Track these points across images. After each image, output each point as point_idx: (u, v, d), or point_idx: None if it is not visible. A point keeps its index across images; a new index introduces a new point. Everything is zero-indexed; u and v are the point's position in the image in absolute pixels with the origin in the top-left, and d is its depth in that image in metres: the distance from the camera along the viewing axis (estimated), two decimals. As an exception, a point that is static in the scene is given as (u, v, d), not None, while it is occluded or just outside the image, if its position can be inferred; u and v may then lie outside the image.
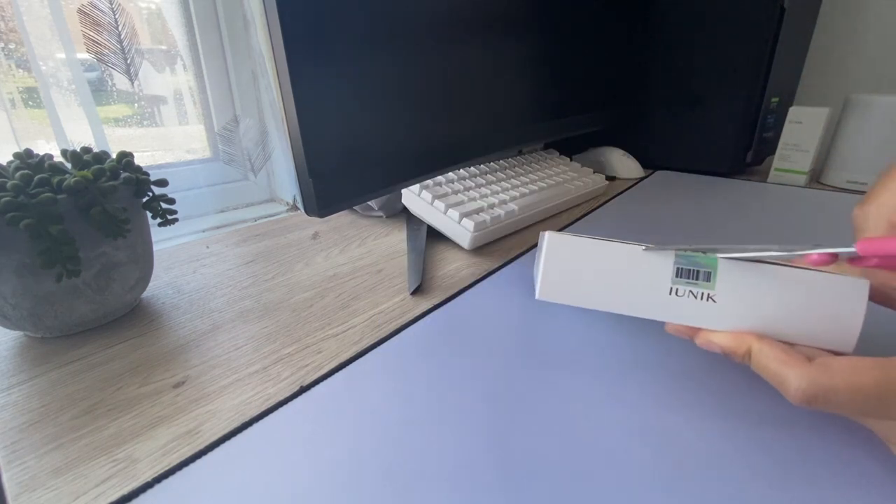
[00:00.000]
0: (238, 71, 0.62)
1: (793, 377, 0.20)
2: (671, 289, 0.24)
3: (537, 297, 0.26)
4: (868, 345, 0.23)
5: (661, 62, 0.76)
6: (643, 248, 0.25)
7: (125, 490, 0.21)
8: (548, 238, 0.26)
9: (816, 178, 0.76)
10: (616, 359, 0.30)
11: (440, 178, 0.54)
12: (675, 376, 0.28)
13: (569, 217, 0.59)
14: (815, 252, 0.21)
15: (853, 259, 0.21)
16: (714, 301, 0.23)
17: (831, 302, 0.22)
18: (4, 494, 0.21)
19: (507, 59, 0.52)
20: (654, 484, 0.21)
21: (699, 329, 0.24)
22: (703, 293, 0.24)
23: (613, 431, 0.24)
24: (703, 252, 0.24)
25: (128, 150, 0.35)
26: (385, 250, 0.49)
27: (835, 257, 0.21)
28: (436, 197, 0.49)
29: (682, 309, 0.24)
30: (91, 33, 0.49)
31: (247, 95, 0.63)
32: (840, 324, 0.22)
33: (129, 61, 0.53)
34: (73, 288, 0.31)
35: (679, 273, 0.24)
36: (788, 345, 0.22)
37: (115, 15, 0.50)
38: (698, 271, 0.24)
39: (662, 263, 0.24)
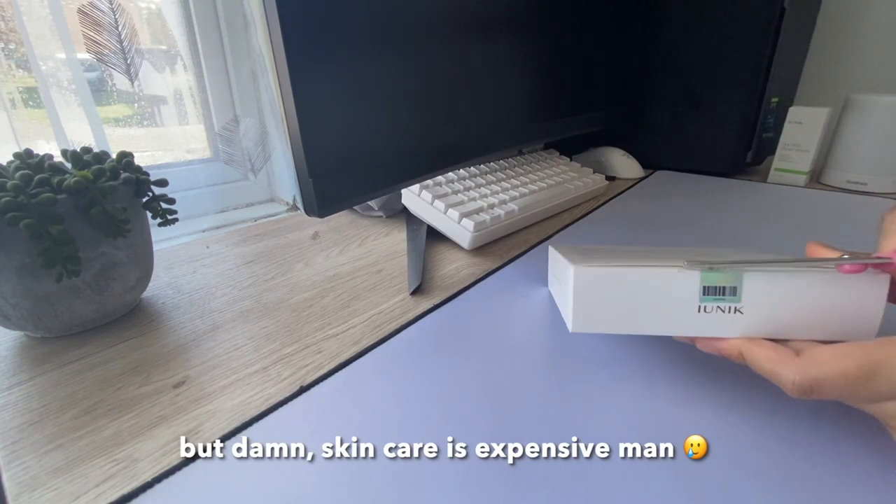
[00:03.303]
0: (238, 71, 0.62)
1: (785, 373, 0.21)
2: (699, 307, 0.24)
3: (571, 330, 0.26)
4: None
5: (661, 62, 0.76)
6: (670, 269, 0.25)
7: (125, 490, 0.21)
8: (574, 272, 0.25)
9: (816, 178, 0.76)
10: (617, 358, 0.30)
11: (440, 178, 0.54)
12: (677, 374, 0.28)
13: (569, 217, 0.59)
14: (848, 263, 0.22)
15: (882, 264, 0.22)
16: (742, 313, 0.24)
17: (853, 298, 0.23)
18: (4, 494, 0.21)
19: (507, 59, 0.52)
20: (655, 484, 0.21)
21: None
22: (730, 307, 0.24)
23: (615, 431, 0.24)
24: (730, 265, 0.24)
25: (128, 150, 0.35)
26: (385, 250, 0.49)
27: (866, 266, 0.22)
28: (436, 197, 0.49)
29: (711, 324, 0.24)
30: (91, 33, 0.49)
31: (247, 95, 0.63)
32: (861, 318, 0.23)
33: (129, 61, 0.53)
34: (73, 288, 0.31)
35: (706, 291, 0.24)
36: (777, 341, 0.23)
37: (115, 15, 0.50)
38: (724, 287, 0.24)
39: (689, 283, 0.24)
